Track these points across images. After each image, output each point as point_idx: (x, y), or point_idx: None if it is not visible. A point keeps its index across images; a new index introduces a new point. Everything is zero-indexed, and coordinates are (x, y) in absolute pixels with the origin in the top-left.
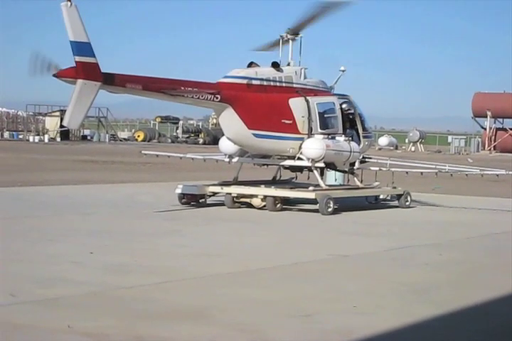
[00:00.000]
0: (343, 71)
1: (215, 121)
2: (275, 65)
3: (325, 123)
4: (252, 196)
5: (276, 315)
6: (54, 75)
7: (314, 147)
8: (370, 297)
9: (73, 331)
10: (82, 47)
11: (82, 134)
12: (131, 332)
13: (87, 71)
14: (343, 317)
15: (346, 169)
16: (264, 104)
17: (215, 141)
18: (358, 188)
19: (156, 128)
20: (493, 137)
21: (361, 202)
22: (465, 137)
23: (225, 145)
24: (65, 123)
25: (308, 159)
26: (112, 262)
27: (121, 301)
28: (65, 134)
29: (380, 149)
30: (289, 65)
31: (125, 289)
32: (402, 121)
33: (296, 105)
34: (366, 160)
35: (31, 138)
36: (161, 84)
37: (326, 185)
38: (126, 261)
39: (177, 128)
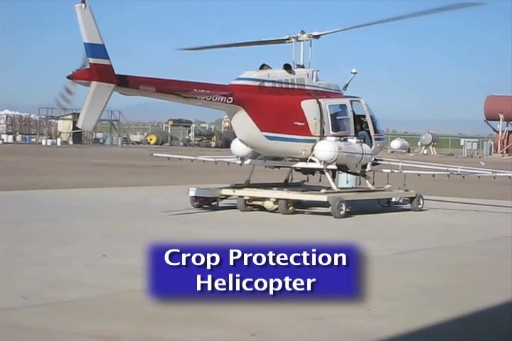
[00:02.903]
0: (355, 73)
1: (227, 124)
2: (287, 67)
3: (337, 126)
4: (264, 199)
5: (289, 317)
6: (68, 77)
7: (326, 149)
8: (383, 300)
9: (85, 333)
10: (96, 49)
11: (94, 137)
12: (142, 335)
13: (101, 73)
14: (356, 321)
15: (358, 171)
16: (276, 106)
17: (227, 144)
18: (371, 191)
19: (169, 131)
20: (505, 140)
21: (373, 204)
22: (477, 140)
23: (237, 147)
24: (79, 125)
25: (320, 161)
26: (124, 265)
27: (133, 304)
28: (77, 137)
29: (392, 152)
30: (301, 67)
31: (137, 292)
32: (415, 124)
33: (308, 107)
34: (378, 162)
35: (44, 142)
36: (174, 86)
37: (338, 188)
38: (138, 264)
39: (189, 131)
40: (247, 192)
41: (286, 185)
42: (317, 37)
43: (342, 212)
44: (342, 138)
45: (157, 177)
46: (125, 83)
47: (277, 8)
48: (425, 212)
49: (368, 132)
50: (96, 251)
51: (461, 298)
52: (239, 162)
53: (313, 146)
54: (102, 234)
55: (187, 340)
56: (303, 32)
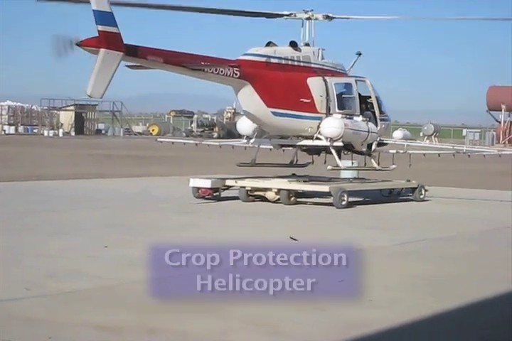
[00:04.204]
0: (360, 54)
1: (229, 115)
2: (293, 45)
3: (342, 104)
4: (266, 189)
5: (290, 308)
6: (77, 44)
7: (333, 126)
8: (385, 290)
9: (87, 324)
10: (104, 17)
11: (96, 128)
12: (144, 326)
13: (110, 40)
14: (358, 311)
15: (364, 150)
16: (282, 83)
17: (229, 134)
18: (372, 182)
19: (171, 122)
20: (507, 130)
21: (376, 194)
22: (479, 130)
23: (243, 125)
24: (88, 92)
25: (326, 138)
26: (126, 256)
27: (135, 295)
28: (79, 128)
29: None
30: (307, 45)
31: (139, 283)
32: (417, 114)
33: (315, 84)
34: (384, 142)
35: (46, 133)
36: (182, 58)
37: (341, 179)
38: (140, 255)
39: (191, 122)
40: (249, 183)
41: (291, 165)
42: (331, 19)
43: (344, 203)
44: (348, 116)
45: (160, 167)
46: (133, 53)
47: None
48: (427, 202)
49: (373, 113)
50: (98, 242)
51: (462, 288)
52: (244, 141)
53: (320, 124)
54: (104, 224)
55: (188, 330)
56: (306, 11)
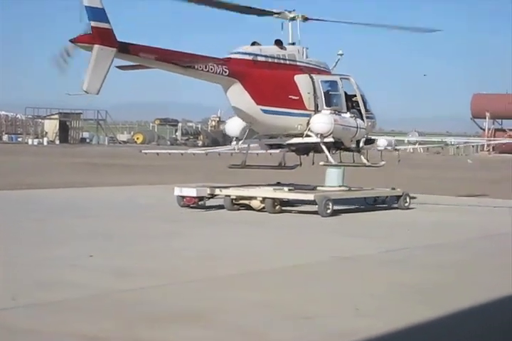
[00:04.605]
0: (341, 55)
1: (214, 123)
2: (278, 43)
3: (330, 101)
4: (251, 198)
5: (277, 317)
6: (71, 41)
7: (323, 121)
8: (371, 299)
9: (74, 334)
10: (96, 13)
11: (81, 137)
12: (131, 335)
13: (103, 37)
14: (345, 320)
15: (353, 146)
16: (270, 80)
17: (214, 143)
18: (357, 190)
19: (155, 130)
20: (492, 138)
21: (361, 202)
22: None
23: (232, 126)
24: (84, 88)
25: (317, 134)
26: (112, 265)
27: (121, 304)
28: (63, 137)
29: (379, 150)
30: (292, 44)
31: (125, 292)
32: (401, 122)
33: (302, 81)
34: (372, 138)
35: (30, 141)
36: (174, 55)
37: (327, 186)
38: (126, 264)
39: (176, 130)
40: (234, 192)
41: (280, 167)
42: (305, 19)
43: (329, 211)
44: (336, 113)
45: (145, 176)
46: (126, 49)
47: None
48: (412, 210)
49: (359, 110)
50: (84, 251)
51: (450, 296)
52: (231, 147)
53: (309, 120)
54: (90, 233)
55: (175, 340)
56: (290, 11)
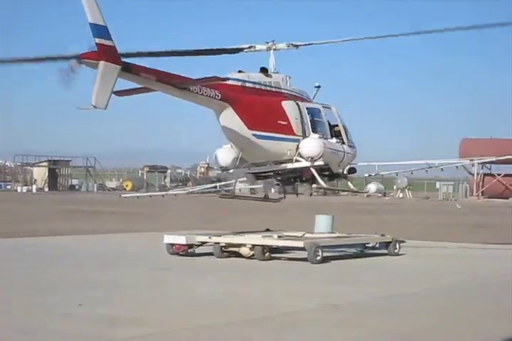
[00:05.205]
0: (318, 87)
1: (203, 170)
2: (264, 71)
3: (315, 127)
4: (240, 245)
5: None
6: (76, 57)
7: (312, 145)
8: None
9: None
10: (100, 30)
11: (70, 184)
12: None
13: (108, 54)
14: None
15: (340, 171)
16: (260, 105)
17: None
18: (347, 237)
19: (144, 177)
20: (480, 183)
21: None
22: (453, 183)
23: (222, 156)
24: (92, 103)
25: (307, 158)
26: (101, 314)
27: None
28: (52, 184)
29: (368, 196)
30: (275, 72)
31: None
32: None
33: (289, 107)
34: (355, 167)
35: (19, 189)
36: (173, 78)
37: (316, 233)
38: (115, 313)
39: (165, 177)
40: (223, 239)
41: (266, 200)
42: (297, 46)
43: (318, 258)
44: (324, 137)
45: (134, 223)
46: (128, 69)
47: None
48: (402, 257)
49: (341, 139)
50: (73, 300)
51: None
52: (212, 185)
53: (298, 145)
54: (79, 282)
55: None
56: (267, 42)
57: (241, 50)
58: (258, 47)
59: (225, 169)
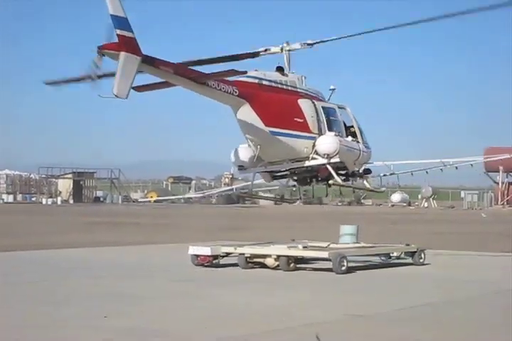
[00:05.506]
0: (333, 90)
1: (227, 180)
2: (280, 69)
3: (331, 126)
4: (265, 256)
5: None
6: (98, 47)
7: (329, 142)
8: None
9: None
10: (121, 21)
11: (94, 196)
12: None
13: (128, 45)
14: None
15: (356, 170)
16: (277, 102)
17: (228, 200)
18: (372, 247)
19: (169, 188)
20: (506, 191)
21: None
22: (477, 192)
23: (239, 154)
24: (114, 92)
25: (323, 155)
26: (126, 326)
27: None
28: (77, 196)
29: (392, 206)
30: (291, 73)
31: None
32: (415, 176)
33: (305, 105)
34: (369, 169)
35: (44, 201)
36: (192, 72)
37: (340, 243)
38: (140, 325)
39: (189, 188)
40: (248, 250)
41: (282, 200)
42: (311, 45)
43: (343, 268)
44: (340, 135)
45: (159, 235)
46: (148, 61)
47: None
48: (427, 266)
49: (356, 140)
50: (97, 312)
51: None
52: (228, 188)
53: (314, 143)
54: (103, 294)
55: None
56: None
57: (257, 54)
58: (273, 49)
59: (242, 168)
